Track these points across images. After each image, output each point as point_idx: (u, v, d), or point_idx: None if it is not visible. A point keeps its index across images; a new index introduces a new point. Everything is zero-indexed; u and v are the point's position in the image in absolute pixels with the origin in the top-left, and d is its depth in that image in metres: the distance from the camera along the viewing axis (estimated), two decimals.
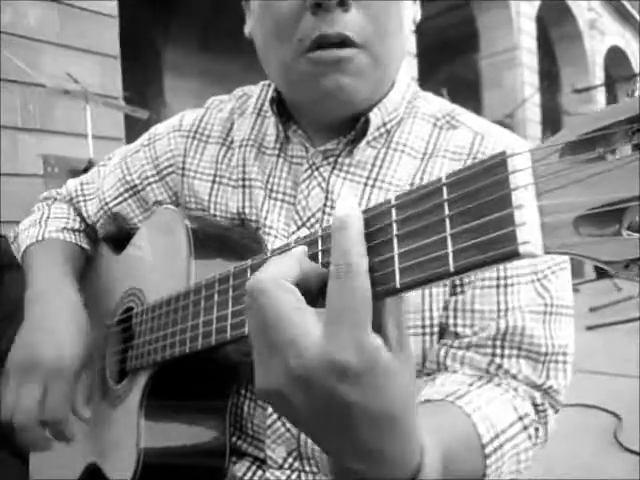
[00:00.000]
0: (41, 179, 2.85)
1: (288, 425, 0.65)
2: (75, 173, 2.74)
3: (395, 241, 0.35)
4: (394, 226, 0.35)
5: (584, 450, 1.89)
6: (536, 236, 0.29)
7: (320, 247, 0.40)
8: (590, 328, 3.63)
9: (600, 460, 1.81)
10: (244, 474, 0.68)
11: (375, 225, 0.37)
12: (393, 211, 0.36)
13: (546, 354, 0.62)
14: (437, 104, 0.73)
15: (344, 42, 0.59)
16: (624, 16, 13.83)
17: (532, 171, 0.30)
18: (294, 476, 0.66)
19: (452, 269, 0.32)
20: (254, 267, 0.47)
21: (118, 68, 4.79)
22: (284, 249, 0.42)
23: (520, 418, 0.60)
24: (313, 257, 0.40)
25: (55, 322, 0.67)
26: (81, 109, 3.32)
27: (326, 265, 0.38)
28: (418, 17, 0.71)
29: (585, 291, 5.27)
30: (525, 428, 0.60)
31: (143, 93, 7.52)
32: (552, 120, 10.87)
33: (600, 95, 12.19)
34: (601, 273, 5.08)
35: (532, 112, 10.25)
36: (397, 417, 0.36)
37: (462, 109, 0.73)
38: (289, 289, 0.36)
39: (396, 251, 0.35)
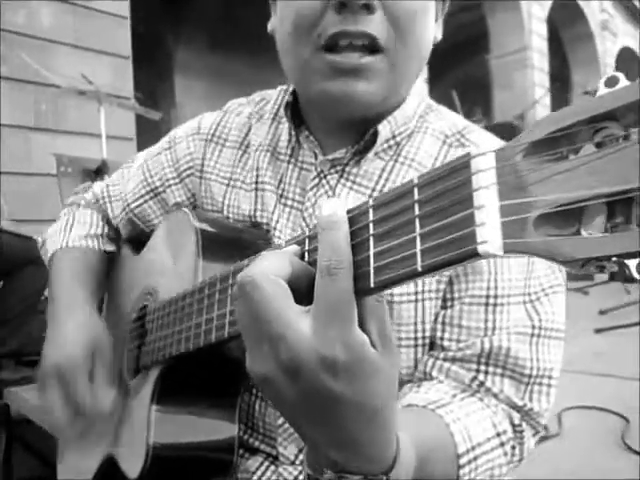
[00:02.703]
0: (54, 178, 2.88)
1: None
2: (87, 173, 2.77)
3: (371, 241, 0.36)
4: (370, 226, 0.36)
5: (591, 452, 1.89)
6: (495, 236, 0.29)
7: (307, 247, 0.41)
8: (599, 331, 3.62)
9: (607, 462, 1.80)
10: (257, 469, 0.69)
11: (355, 225, 0.37)
12: (370, 211, 0.36)
13: (530, 376, 0.62)
14: (449, 121, 0.72)
15: (365, 45, 0.59)
16: (636, 16, 13.73)
17: (496, 171, 0.30)
18: None
19: (420, 268, 0.32)
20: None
21: (130, 68, 4.83)
22: (275, 248, 0.44)
23: (498, 434, 0.60)
24: (301, 256, 0.41)
25: (63, 333, 0.73)
26: (94, 109, 3.35)
27: (312, 263, 0.39)
28: (439, 36, 0.71)
29: (594, 294, 5.24)
30: (502, 444, 0.60)
31: (154, 93, 7.57)
32: None
33: None
34: (613, 275, 5.06)
35: (542, 113, 10.21)
36: (378, 410, 0.37)
37: (475, 126, 0.72)
38: (280, 284, 0.37)
39: (372, 251, 0.36)
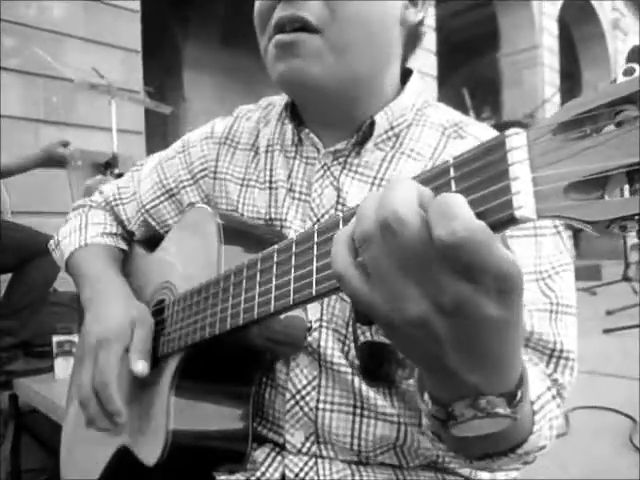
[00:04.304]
0: (62, 171, 2.89)
1: (306, 409, 0.68)
2: (97, 166, 2.78)
3: None
4: None
5: (599, 452, 1.88)
6: (530, 202, 0.33)
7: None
8: (607, 331, 3.61)
9: (615, 462, 1.80)
10: (264, 460, 0.70)
11: None
12: None
13: (553, 350, 0.64)
14: (446, 114, 0.75)
15: (302, 27, 0.64)
16: None
17: (527, 148, 0.34)
18: (311, 462, 0.69)
19: None
20: (280, 251, 0.50)
21: (139, 63, 4.84)
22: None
23: (548, 388, 0.62)
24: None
25: (105, 308, 0.74)
26: (103, 103, 3.36)
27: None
28: (415, 19, 0.72)
29: (602, 294, 5.22)
30: (553, 397, 0.62)
31: (162, 87, 7.59)
32: None
33: None
34: (626, 278, 5.05)
35: (552, 112, 10.16)
36: (518, 324, 0.38)
37: (470, 120, 0.75)
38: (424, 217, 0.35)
39: None
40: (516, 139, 0.34)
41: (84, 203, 0.98)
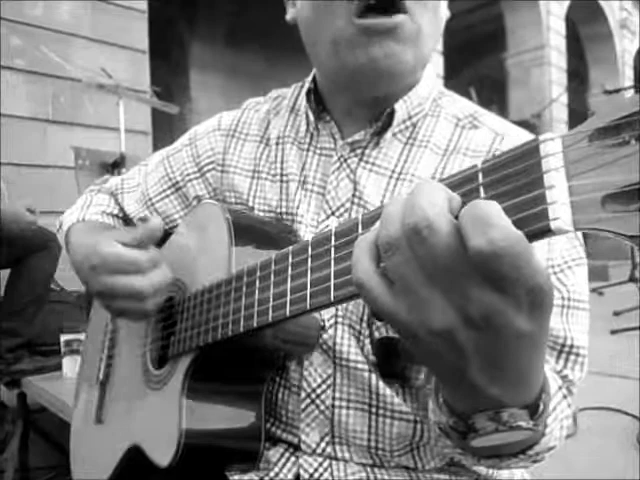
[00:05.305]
0: (69, 171, 2.91)
1: (322, 408, 0.67)
2: (104, 166, 2.79)
3: None
4: None
5: (606, 452, 1.88)
6: (567, 213, 0.31)
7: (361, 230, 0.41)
8: (614, 332, 3.59)
9: (622, 462, 1.79)
10: (278, 460, 0.70)
11: None
12: None
13: (563, 345, 0.63)
14: (460, 104, 0.75)
15: (391, 6, 0.62)
16: None
17: (563, 155, 0.32)
18: (326, 464, 0.68)
19: None
20: (295, 252, 0.49)
21: (147, 63, 4.85)
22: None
23: (559, 387, 0.61)
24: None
25: (98, 235, 0.69)
26: (111, 103, 3.38)
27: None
28: (448, 14, 0.74)
29: (609, 295, 5.19)
30: (564, 397, 0.61)
31: (169, 87, 7.60)
32: (579, 120, 10.66)
33: (629, 95, 11.95)
34: (633, 279, 5.00)
35: (559, 112, 10.12)
36: (544, 337, 0.37)
37: (484, 110, 0.75)
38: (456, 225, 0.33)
39: None
40: (551, 145, 0.32)
41: (95, 187, 0.98)
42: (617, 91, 4.25)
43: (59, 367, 1.93)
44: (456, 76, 10.10)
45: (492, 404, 0.39)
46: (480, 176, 0.35)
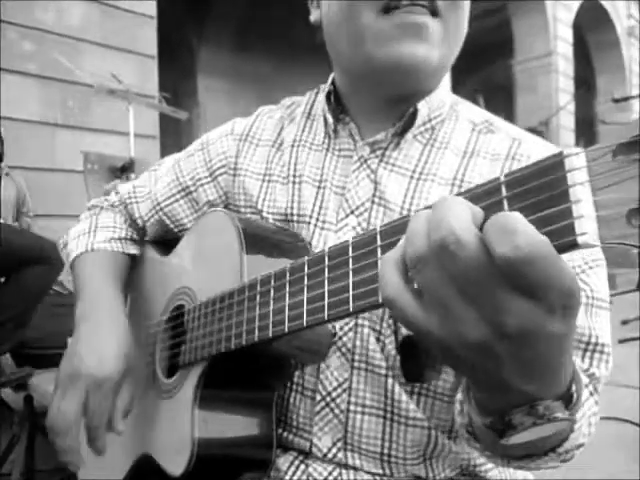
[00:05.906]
0: (78, 175, 2.92)
1: (337, 412, 0.67)
2: (113, 170, 2.80)
3: None
4: None
5: (614, 462, 1.86)
6: (593, 227, 0.31)
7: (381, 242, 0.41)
8: (622, 341, 3.57)
9: (625, 473, 1.78)
10: (288, 468, 0.70)
11: None
12: None
13: (588, 343, 0.63)
14: (475, 110, 0.76)
15: (425, 7, 0.63)
16: None
17: (587, 169, 0.32)
18: (336, 472, 0.68)
19: None
20: (311, 263, 0.49)
21: (155, 68, 4.89)
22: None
23: (586, 385, 0.61)
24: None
25: (100, 338, 0.71)
26: (120, 107, 3.40)
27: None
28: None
29: (617, 304, 5.12)
30: (591, 394, 0.61)
31: (177, 92, 7.64)
32: (585, 128, 10.67)
33: (637, 104, 11.94)
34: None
35: (566, 120, 10.10)
36: (572, 334, 0.37)
37: (497, 117, 0.76)
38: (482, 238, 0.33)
39: None
40: (576, 159, 0.32)
41: (98, 203, 0.96)
42: (625, 99, 4.24)
43: None
44: (463, 83, 10.11)
45: (525, 399, 0.39)
46: (503, 189, 0.35)
